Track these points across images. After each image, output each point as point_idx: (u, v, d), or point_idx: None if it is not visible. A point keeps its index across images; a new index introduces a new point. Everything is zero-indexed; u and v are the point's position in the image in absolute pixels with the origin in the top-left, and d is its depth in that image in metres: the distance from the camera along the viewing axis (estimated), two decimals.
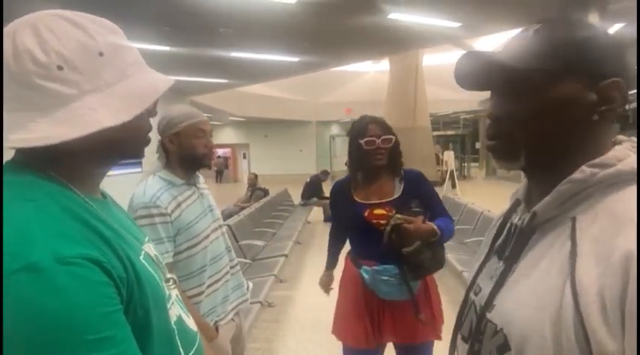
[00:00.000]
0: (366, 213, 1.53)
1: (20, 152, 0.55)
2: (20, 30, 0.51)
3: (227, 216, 5.84)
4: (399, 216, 1.41)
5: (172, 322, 0.62)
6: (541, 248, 0.51)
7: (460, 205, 5.54)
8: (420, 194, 1.56)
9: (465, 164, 17.48)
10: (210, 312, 1.37)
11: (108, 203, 0.64)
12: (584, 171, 0.49)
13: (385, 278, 1.49)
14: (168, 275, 0.68)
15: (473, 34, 7.72)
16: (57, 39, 0.51)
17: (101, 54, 0.53)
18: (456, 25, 5.78)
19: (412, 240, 1.38)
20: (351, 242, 1.66)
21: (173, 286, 0.68)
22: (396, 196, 1.56)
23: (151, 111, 0.61)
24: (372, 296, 1.53)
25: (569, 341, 0.43)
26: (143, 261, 0.58)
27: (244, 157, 19.93)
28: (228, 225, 4.08)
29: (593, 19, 5.21)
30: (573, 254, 0.45)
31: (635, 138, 0.52)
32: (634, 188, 0.46)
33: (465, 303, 0.62)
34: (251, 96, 13.98)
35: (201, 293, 1.35)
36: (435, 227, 1.43)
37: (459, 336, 0.62)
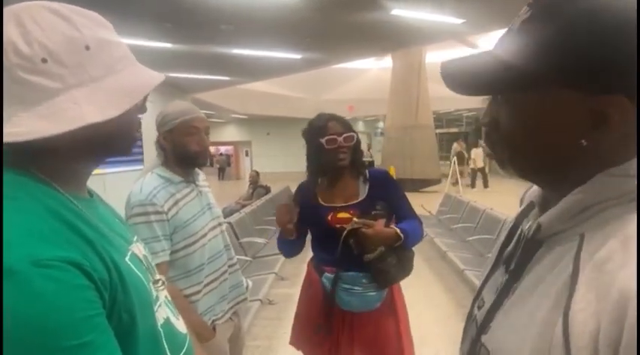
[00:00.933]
0: (329, 217, 1.45)
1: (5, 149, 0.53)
2: (4, 21, 0.49)
3: (228, 213, 5.83)
4: (356, 219, 1.34)
5: (159, 325, 0.60)
6: (543, 267, 0.44)
7: (462, 203, 5.51)
8: (386, 195, 1.47)
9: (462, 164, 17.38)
10: (208, 311, 1.36)
11: (94, 201, 0.62)
12: (601, 181, 0.40)
13: (347, 286, 1.40)
14: (157, 277, 0.66)
15: (477, 31, 7.65)
16: (41, 30, 0.49)
17: (87, 47, 0.51)
18: (460, 21, 5.73)
19: (373, 246, 1.32)
20: (313, 248, 1.56)
21: (162, 287, 0.66)
22: (361, 198, 1.46)
23: (141, 108, 0.59)
24: (332, 306, 1.44)
25: None
26: (129, 263, 0.56)
27: (246, 155, 19.94)
28: (229, 223, 4.07)
29: None
30: (573, 281, 0.38)
31: None
32: None
33: (470, 317, 0.57)
34: (253, 94, 13.96)
35: (199, 292, 1.33)
36: (398, 231, 1.35)
37: (460, 353, 0.58)
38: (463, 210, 5.30)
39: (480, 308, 0.54)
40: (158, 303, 0.63)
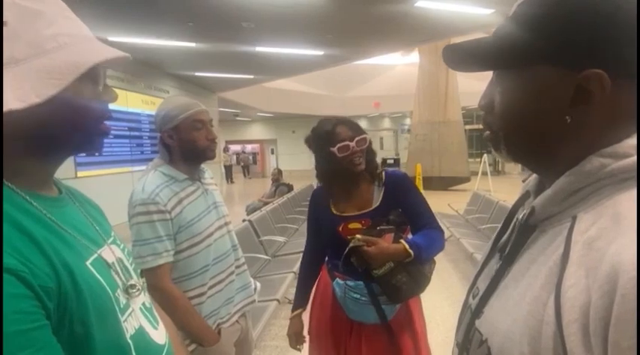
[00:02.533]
0: (340, 228, 1.36)
1: None
2: None
3: (251, 210, 5.86)
4: (359, 236, 1.23)
5: (128, 336, 0.54)
6: (535, 249, 0.45)
7: (492, 202, 5.28)
8: (402, 201, 1.34)
9: (499, 159, 16.75)
10: (213, 314, 1.31)
11: (62, 200, 0.57)
12: (592, 162, 0.40)
13: (356, 295, 1.31)
14: (133, 282, 0.60)
15: None
16: None
17: (5, 24, 0.45)
18: (489, 11, 5.46)
19: (379, 262, 1.21)
20: (328, 256, 1.48)
21: (137, 293, 0.60)
22: (374, 206, 1.35)
23: (100, 93, 0.53)
24: (342, 313, 1.37)
25: None
26: (89, 267, 0.51)
27: (272, 153, 20.11)
28: (250, 221, 4.07)
29: None
30: (564, 260, 0.38)
31: None
32: None
33: (464, 306, 0.56)
34: (278, 92, 14.02)
35: (203, 294, 1.29)
36: (407, 246, 1.23)
37: (455, 342, 0.57)
38: (492, 209, 5.07)
39: (474, 296, 0.54)
40: (128, 312, 0.57)
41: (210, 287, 1.31)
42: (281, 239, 4.40)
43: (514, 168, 17.02)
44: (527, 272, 0.43)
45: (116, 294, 0.55)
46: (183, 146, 1.30)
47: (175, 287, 1.24)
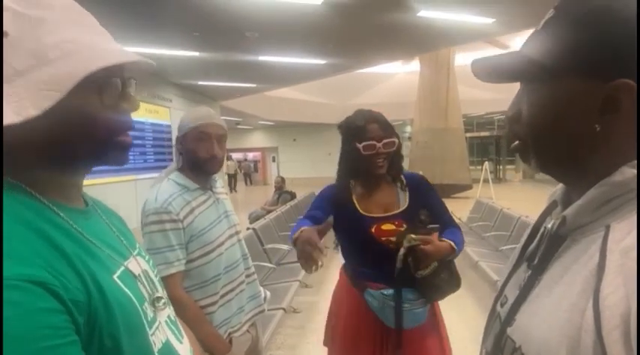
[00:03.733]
0: (373, 229, 1.31)
1: None
2: None
3: (254, 218, 5.85)
4: (413, 236, 1.22)
5: (156, 350, 0.54)
6: (569, 258, 0.45)
7: (495, 210, 5.27)
8: (427, 202, 1.35)
9: (501, 167, 16.75)
10: (224, 323, 1.31)
11: (87, 212, 0.56)
12: (624, 173, 0.41)
13: (392, 303, 1.28)
14: (159, 294, 0.60)
15: (508, 30, 7.35)
16: None
17: (5, 34, 0.43)
18: (490, 20, 5.52)
19: (429, 262, 1.21)
20: (350, 257, 1.42)
21: (163, 306, 0.60)
22: (402, 208, 1.34)
23: (114, 105, 0.51)
24: (376, 322, 1.33)
25: None
26: (117, 281, 0.51)
27: (273, 160, 20.14)
28: (254, 229, 4.06)
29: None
30: (601, 268, 0.39)
31: None
32: None
33: (492, 314, 0.57)
34: (280, 100, 14.08)
35: (215, 303, 1.29)
36: (453, 244, 1.25)
37: (484, 351, 0.57)
38: (496, 217, 5.06)
39: (503, 305, 0.54)
40: (155, 325, 0.56)
41: (222, 296, 1.31)
42: (285, 247, 4.38)
43: (515, 176, 17.02)
44: (561, 281, 0.44)
45: (143, 307, 0.54)
46: (187, 155, 1.31)
47: (187, 295, 1.24)
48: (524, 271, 0.53)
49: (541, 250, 0.50)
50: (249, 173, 19.71)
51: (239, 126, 17.94)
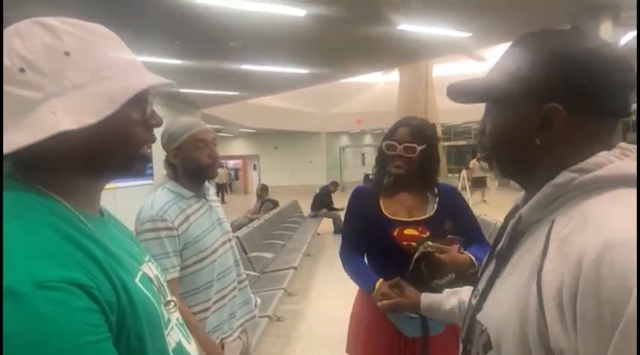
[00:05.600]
0: (395, 232, 1.31)
1: (10, 165, 0.53)
2: None
3: (236, 227, 5.82)
4: (430, 243, 1.19)
5: (170, 349, 0.58)
6: (523, 249, 0.54)
7: None
8: (456, 214, 1.34)
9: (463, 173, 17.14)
10: (217, 329, 1.33)
11: (105, 221, 0.60)
12: (564, 176, 0.51)
13: (412, 314, 1.24)
14: (169, 298, 0.64)
15: (483, 44, 7.68)
16: (22, 42, 0.49)
17: (67, 53, 0.49)
18: (467, 35, 5.75)
19: (445, 272, 1.20)
20: (372, 262, 1.40)
21: (174, 309, 0.63)
22: (429, 215, 1.35)
23: (146, 120, 0.57)
24: (393, 330, 1.32)
25: (533, 335, 0.45)
26: (139, 284, 0.55)
27: (254, 168, 20.03)
28: (237, 237, 4.06)
29: (606, 27, 5.13)
30: (544, 254, 0.47)
31: (631, 146, 0.53)
32: (614, 193, 0.47)
33: (468, 307, 0.65)
34: (261, 108, 14.08)
35: (208, 309, 1.31)
36: (473, 258, 1.20)
37: (460, 339, 0.64)
38: None
39: (475, 296, 0.62)
40: (170, 326, 0.60)
41: (215, 302, 1.33)
42: (269, 255, 4.39)
43: (491, 184, 17.51)
44: (517, 268, 0.52)
45: (160, 309, 0.58)
46: (187, 164, 1.34)
47: (182, 302, 1.26)
48: (492, 266, 0.61)
49: (505, 245, 0.59)
50: (229, 181, 19.51)
51: (220, 134, 17.78)
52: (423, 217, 1.35)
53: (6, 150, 0.46)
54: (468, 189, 11.26)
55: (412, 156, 1.33)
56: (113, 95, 0.50)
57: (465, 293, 0.88)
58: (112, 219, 0.66)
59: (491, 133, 0.59)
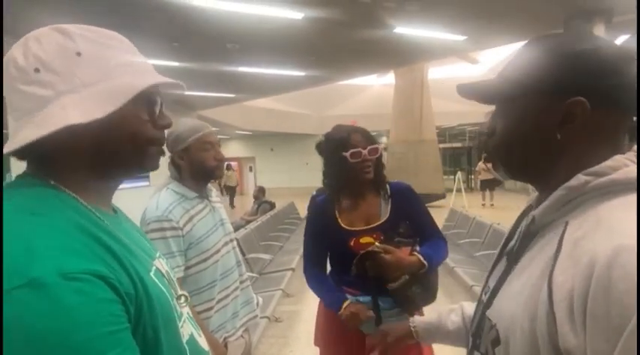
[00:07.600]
0: (352, 243, 1.35)
1: (28, 163, 0.55)
2: (17, 43, 0.53)
3: (234, 229, 5.80)
4: (377, 244, 1.24)
5: (184, 341, 0.60)
6: (536, 250, 0.54)
7: (469, 218, 5.48)
8: (410, 213, 1.36)
9: (473, 176, 17.30)
10: (220, 328, 1.35)
11: (119, 217, 0.63)
12: (579, 179, 0.51)
13: (370, 312, 1.29)
14: (180, 292, 0.66)
15: (478, 47, 7.77)
16: (39, 44, 0.52)
17: (79, 54, 0.52)
18: (462, 38, 5.82)
19: (395, 274, 1.23)
20: (333, 267, 1.45)
21: (185, 303, 0.66)
22: (383, 219, 1.36)
23: (155, 120, 0.59)
24: (354, 330, 1.33)
25: (541, 333, 0.46)
26: (153, 278, 0.57)
27: (250, 170, 20.01)
28: (235, 239, 4.05)
29: (598, 31, 5.21)
30: (556, 255, 0.48)
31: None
32: (628, 197, 0.48)
33: (478, 303, 0.66)
34: (257, 110, 14.09)
35: (211, 308, 1.33)
36: (422, 258, 1.26)
37: (470, 333, 0.66)
38: (469, 225, 5.27)
39: (486, 293, 0.63)
40: (182, 319, 0.62)
41: (218, 302, 1.35)
42: (266, 256, 4.40)
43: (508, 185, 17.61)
44: (529, 267, 0.53)
45: (173, 303, 0.60)
46: (193, 166, 1.36)
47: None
48: (503, 264, 0.62)
49: (517, 245, 0.60)
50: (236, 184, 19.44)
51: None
52: (377, 223, 1.37)
53: (17, 144, 0.49)
54: (463, 191, 11.33)
55: (377, 157, 1.38)
56: (119, 91, 0.52)
57: (466, 308, 0.85)
58: (124, 216, 0.68)
59: (505, 132, 0.57)
